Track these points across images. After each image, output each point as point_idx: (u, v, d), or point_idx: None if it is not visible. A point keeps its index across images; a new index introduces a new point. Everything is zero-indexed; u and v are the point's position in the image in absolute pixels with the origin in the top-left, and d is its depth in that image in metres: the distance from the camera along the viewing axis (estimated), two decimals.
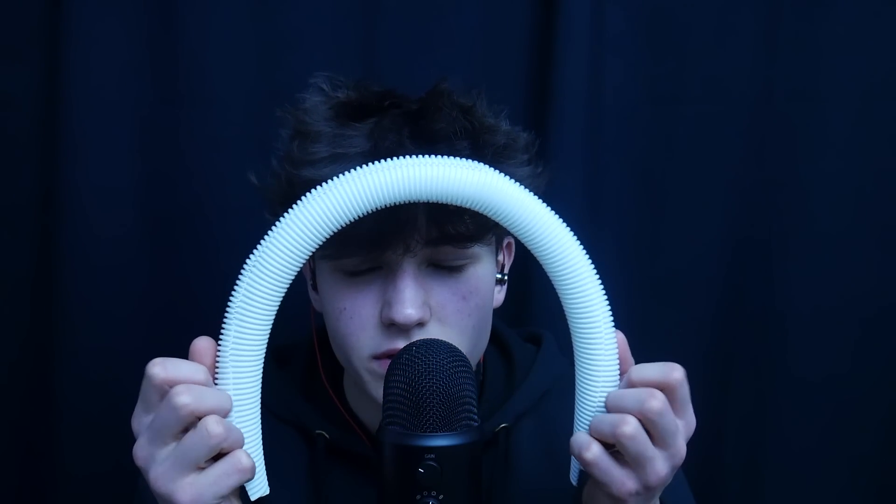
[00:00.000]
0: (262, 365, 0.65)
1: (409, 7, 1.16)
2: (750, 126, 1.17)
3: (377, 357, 0.75)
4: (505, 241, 0.86)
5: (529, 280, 1.15)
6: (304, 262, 0.65)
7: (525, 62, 1.17)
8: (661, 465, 0.64)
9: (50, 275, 1.14)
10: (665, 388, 0.64)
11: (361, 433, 0.83)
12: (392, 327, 0.74)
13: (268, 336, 0.65)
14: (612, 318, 0.67)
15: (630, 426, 0.63)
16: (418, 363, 0.65)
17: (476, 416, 0.66)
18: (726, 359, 1.20)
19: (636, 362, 0.69)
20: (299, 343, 0.91)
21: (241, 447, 0.62)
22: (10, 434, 1.17)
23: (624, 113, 1.17)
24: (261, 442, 0.65)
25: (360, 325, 0.75)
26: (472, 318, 0.76)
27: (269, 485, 0.67)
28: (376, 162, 0.64)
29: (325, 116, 0.78)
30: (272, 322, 0.65)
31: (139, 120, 1.14)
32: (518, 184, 0.66)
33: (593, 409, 0.67)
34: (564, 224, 0.66)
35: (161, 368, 0.62)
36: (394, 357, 0.67)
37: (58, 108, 1.12)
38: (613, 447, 0.65)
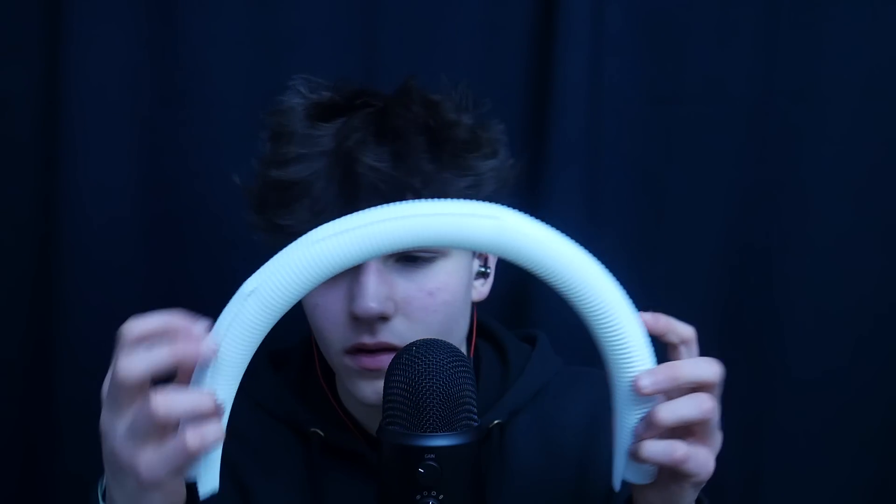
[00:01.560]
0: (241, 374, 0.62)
1: (409, 7, 1.16)
2: (750, 126, 1.17)
3: (347, 351, 0.76)
4: None
5: (529, 282, 1.15)
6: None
7: (525, 62, 1.17)
8: (720, 441, 0.64)
9: (50, 274, 1.14)
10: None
11: (356, 431, 0.83)
12: (358, 321, 0.74)
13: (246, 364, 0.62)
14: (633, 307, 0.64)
15: (709, 404, 0.61)
16: (418, 363, 0.65)
17: (476, 416, 0.66)
18: (725, 358, 1.18)
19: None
20: (294, 346, 0.92)
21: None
22: (9, 434, 1.17)
23: (624, 113, 1.17)
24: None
25: (331, 321, 0.76)
26: (439, 313, 0.76)
27: (266, 484, 0.66)
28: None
29: (299, 117, 0.79)
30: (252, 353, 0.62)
31: (139, 120, 1.14)
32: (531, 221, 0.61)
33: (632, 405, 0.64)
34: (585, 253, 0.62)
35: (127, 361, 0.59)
36: (394, 357, 0.67)
37: (58, 109, 1.12)
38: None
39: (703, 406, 0.61)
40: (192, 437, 0.56)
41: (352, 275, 0.74)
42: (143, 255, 1.15)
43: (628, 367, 0.63)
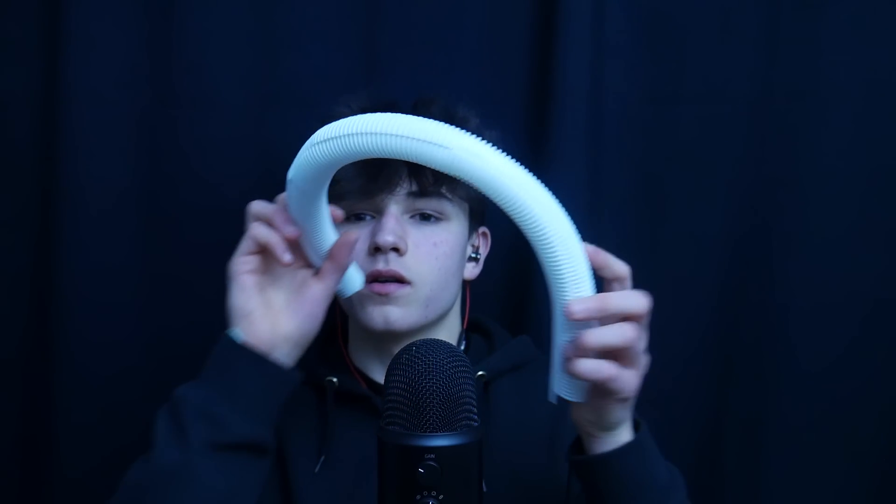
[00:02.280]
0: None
1: (410, 8, 1.16)
2: (750, 126, 1.17)
3: (366, 282, 0.91)
4: (480, 229, 1.03)
5: (529, 286, 1.16)
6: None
7: (526, 63, 1.17)
8: (646, 364, 0.74)
9: (49, 273, 1.14)
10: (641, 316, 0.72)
11: (361, 379, 0.98)
12: (376, 252, 0.91)
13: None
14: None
15: (631, 333, 0.71)
16: (418, 363, 0.65)
17: (476, 417, 0.66)
18: (727, 356, 1.20)
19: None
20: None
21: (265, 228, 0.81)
22: (9, 433, 1.17)
23: (624, 113, 1.17)
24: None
25: (353, 256, 0.87)
26: (440, 261, 0.93)
27: (293, 427, 0.90)
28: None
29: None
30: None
31: (138, 120, 1.14)
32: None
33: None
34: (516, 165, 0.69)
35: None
36: (394, 356, 0.67)
37: (57, 108, 1.12)
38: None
39: (626, 335, 0.70)
40: (256, 229, 0.81)
41: (375, 223, 0.93)
42: (141, 254, 1.16)
43: (566, 292, 0.69)
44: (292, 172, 0.76)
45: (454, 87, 0.85)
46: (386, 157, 0.69)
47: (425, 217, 0.94)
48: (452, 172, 0.67)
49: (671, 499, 0.79)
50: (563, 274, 0.69)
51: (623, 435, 0.78)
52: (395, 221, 0.91)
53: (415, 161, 0.68)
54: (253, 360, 0.80)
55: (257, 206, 0.82)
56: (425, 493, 0.62)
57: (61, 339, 1.14)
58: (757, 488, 1.20)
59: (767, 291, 1.18)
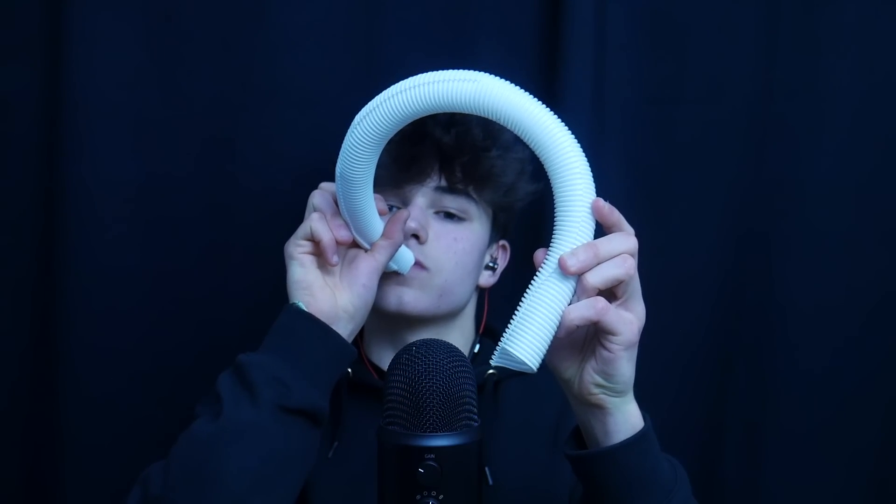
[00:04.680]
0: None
1: (412, 8, 1.16)
2: (750, 126, 1.17)
3: None
4: (500, 241, 1.04)
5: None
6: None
7: (528, 63, 1.17)
8: (643, 311, 0.75)
9: (52, 274, 1.14)
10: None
11: (373, 370, 1.00)
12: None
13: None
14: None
15: (630, 262, 0.72)
16: (418, 363, 0.65)
17: (476, 416, 0.66)
18: (727, 356, 1.20)
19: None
20: None
21: (320, 223, 0.84)
22: (14, 437, 1.17)
23: (625, 113, 1.17)
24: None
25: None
26: (457, 255, 0.95)
27: None
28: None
29: None
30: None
31: (141, 120, 1.14)
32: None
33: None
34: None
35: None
36: (394, 357, 0.68)
37: (59, 109, 1.12)
38: None
39: (625, 264, 0.71)
40: (314, 222, 0.84)
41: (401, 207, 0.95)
42: (145, 254, 1.15)
43: (565, 240, 0.72)
44: (341, 165, 0.80)
45: None
46: (429, 111, 0.74)
47: (449, 216, 0.96)
48: (479, 108, 0.72)
49: (675, 496, 0.77)
50: (566, 219, 0.72)
51: (631, 415, 0.76)
52: (419, 211, 0.94)
53: (448, 108, 0.73)
54: (318, 330, 0.83)
55: (319, 200, 0.86)
56: (425, 493, 0.62)
57: (65, 341, 1.14)
58: (757, 488, 1.20)
59: (767, 291, 1.18)
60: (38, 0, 1.12)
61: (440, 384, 0.64)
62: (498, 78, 0.74)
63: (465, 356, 0.68)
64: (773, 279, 1.18)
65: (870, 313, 1.18)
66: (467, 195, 0.95)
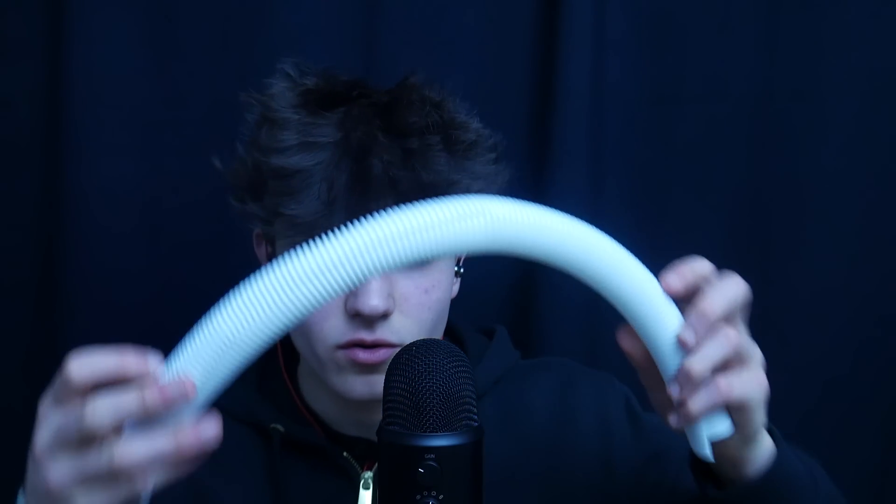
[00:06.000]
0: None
1: (410, 7, 1.16)
2: (750, 126, 1.17)
3: (341, 347, 0.75)
4: None
5: (532, 279, 1.16)
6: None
7: (527, 62, 1.17)
8: (759, 353, 0.63)
9: (54, 275, 1.14)
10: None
11: (316, 425, 0.82)
12: (357, 317, 0.74)
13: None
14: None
15: (732, 331, 0.60)
16: (418, 363, 0.65)
17: (476, 416, 0.66)
18: None
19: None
20: None
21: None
22: (16, 439, 1.17)
23: (625, 113, 1.17)
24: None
25: (324, 315, 0.74)
26: (432, 311, 0.78)
27: (226, 485, 0.69)
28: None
29: (292, 103, 0.77)
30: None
31: (142, 120, 1.14)
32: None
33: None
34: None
35: (77, 368, 0.55)
36: (394, 357, 0.67)
37: (59, 109, 1.12)
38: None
39: (730, 341, 0.59)
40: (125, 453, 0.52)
41: None
42: (146, 255, 1.16)
43: (663, 330, 0.61)
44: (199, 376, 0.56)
45: (455, 87, 0.84)
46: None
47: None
48: (495, 247, 0.57)
49: (820, 490, 0.70)
50: (652, 315, 0.61)
51: (764, 441, 0.67)
52: (380, 278, 0.73)
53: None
54: None
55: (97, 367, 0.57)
56: (425, 493, 0.62)
57: (66, 339, 1.14)
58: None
59: (767, 291, 1.18)
60: (38, 0, 1.13)
61: (440, 384, 0.64)
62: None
63: (465, 356, 0.68)
64: (773, 279, 1.18)
65: (870, 313, 1.18)
66: None
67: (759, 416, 0.64)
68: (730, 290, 0.63)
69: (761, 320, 1.17)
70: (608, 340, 1.15)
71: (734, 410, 0.62)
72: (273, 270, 0.55)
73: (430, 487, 0.62)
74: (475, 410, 0.66)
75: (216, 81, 1.15)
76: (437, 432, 0.63)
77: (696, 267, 0.64)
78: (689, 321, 0.60)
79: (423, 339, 0.68)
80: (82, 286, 1.14)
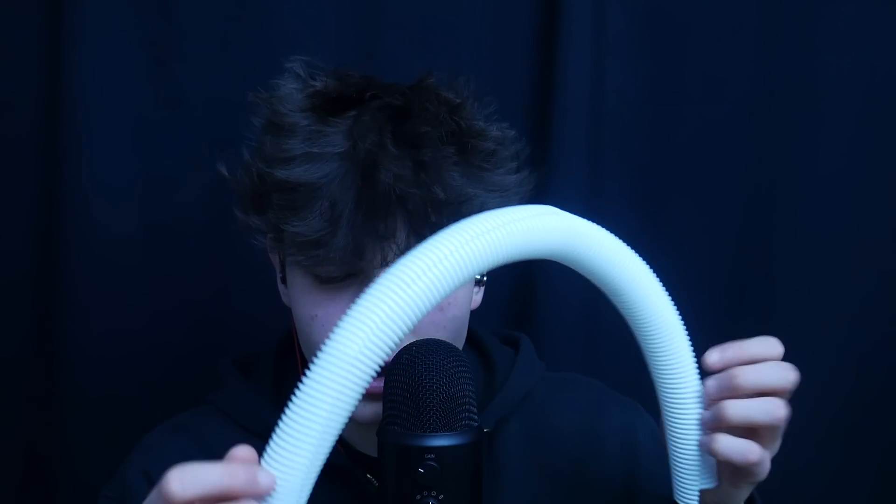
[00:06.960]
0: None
1: (410, 8, 1.16)
2: (750, 126, 1.17)
3: None
4: None
5: (532, 282, 1.16)
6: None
7: (527, 63, 1.17)
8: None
9: (52, 274, 1.14)
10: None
11: (337, 444, 0.78)
12: None
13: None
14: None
15: (784, 406, 0.62)
16: (418, 363, 0.65)
17: (476, 417, 0.66)
18: None
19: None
20: (264, 352, 0.85)
21: None
22: (14, 436, 1.17)
23: (625, 113, 1.17)
24: None
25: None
26: (448, 329, 0.74)
27: None
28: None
29: (300, 107, 0.73)
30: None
31: (141, 120, 1.14)
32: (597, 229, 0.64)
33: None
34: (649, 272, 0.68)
35: (179, 485, 0.49)
36: (394, 357, 0.67)
37: (59, 109, 1.12)
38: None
39: (775, 413, 0.62)
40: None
41: (358, 288, 0.69)
42: (145, 254, 1.15)
43: (679, 391, 0.67)
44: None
45: (440, 80, 0.81)
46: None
47: None
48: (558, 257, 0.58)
49: None
50: (673, 371, 0.68)
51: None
52: None
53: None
54: None
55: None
56: (425, 493, 0.62)
57: (65, 338, 1.14)
58: (757, 489, 1.20)
59: (767, 291, 1.18)
60: (38, 0, 1.12)
61: (440, 384, 0.64)
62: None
63: (464, 357, 0.68)
64: (774, 279, 1.18)
65: (870, 313, 1.18)
66: None
67: (748, 490, 0.67)
68: (778, 369, 0.66)
69: (761, 320, 1.18)
70: (608, 341, 1.16)
71: (735, 475, 0.64)
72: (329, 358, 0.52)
73: (430, 487, 0.62)
74: (475, 410, 0.66)
75: (216, 81, 1.14)
76: (437, 432, 0.63)
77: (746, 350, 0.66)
78: (727, 347, 0.65)
79: (424, 340, 0.68)
80: (81, 286, 1.14)
